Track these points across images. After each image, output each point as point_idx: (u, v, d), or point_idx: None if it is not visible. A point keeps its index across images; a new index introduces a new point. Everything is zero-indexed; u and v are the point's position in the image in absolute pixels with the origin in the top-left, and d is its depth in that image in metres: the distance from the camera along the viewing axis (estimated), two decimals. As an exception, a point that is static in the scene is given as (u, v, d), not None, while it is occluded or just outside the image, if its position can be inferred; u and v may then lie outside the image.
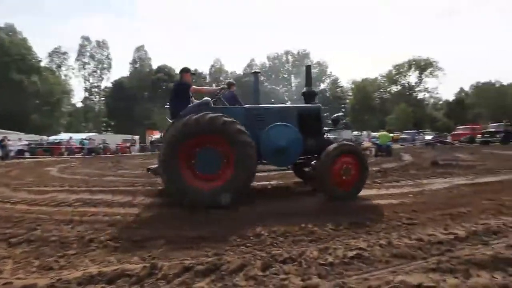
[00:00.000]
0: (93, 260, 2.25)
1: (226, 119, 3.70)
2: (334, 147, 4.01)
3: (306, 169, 5.24)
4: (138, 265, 2.08)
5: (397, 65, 45.73)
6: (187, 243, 2.55)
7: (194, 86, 4.42)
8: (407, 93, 45.99)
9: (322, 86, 53.65)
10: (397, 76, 46.48)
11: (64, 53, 44.05)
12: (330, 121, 5.21)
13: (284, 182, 5.83)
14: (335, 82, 53.86)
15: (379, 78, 48.94)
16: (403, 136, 26.04)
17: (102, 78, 46.92)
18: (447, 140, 15.18)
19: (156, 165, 4.55)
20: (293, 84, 55.00)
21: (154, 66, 47.28)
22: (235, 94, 5.22)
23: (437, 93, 47.27)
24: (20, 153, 17.50)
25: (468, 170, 6.81)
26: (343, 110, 44.32)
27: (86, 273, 1.98)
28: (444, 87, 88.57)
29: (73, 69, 44.74)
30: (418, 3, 76.12)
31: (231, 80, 5.57)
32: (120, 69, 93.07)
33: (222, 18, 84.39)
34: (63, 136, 26.42)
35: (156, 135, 28.15)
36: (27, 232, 2.93)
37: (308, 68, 5.30)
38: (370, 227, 2.85)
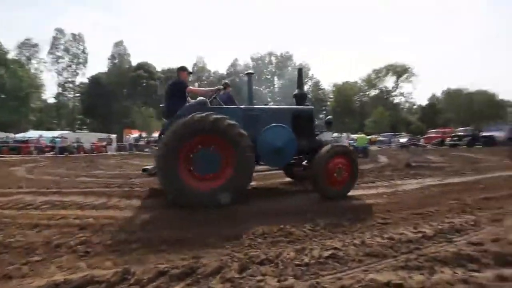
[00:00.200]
0: (60, 267, 2.11)
1: (229, 121, 3.75)
2: (328, 149, 4.17)
3: (297, 169, 5.34)
4: (110, 271, 1.98)
5: (376, 69, 47.88)
6: (163, 246, 2.48)
7: (190, 87, 4.41)
8: (385, 97, 48.24)
9: (304, 88, 54.62)
10: (376, 80, 48.61)
11: (35, 45, 40.98)
12: (322, 123, 5.31)
13: (264, 183, 5.85)
14: (316, 85, 55.02)
15: (359, 81, 50.86)
16: (380, 138, 27.30)
17: (77, 73, 44.33)
18: (420, 143, 16.12)
19: (152, 166, 4.42)
20: (276, 85, 55.51)
21: (134, 63, 45.81)
22: (231, 95, 5.25)
23: (411, 98, 50.09)
24: (-18, 151, 16.31)
25: (438, 171, 7.30)
26: (324, 112, 45.44)
27: (50, 281, 1.85)
28: (418, 92, 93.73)
29: (45, 62, 41.76)
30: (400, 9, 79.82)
31: (226, 81, 5.54)
32: (97, 65, 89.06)
33: (205, 16, 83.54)
34: (32, 133, 24.72)
35: (135, 134, 27.26)
36: (-14, 237, 2.70)
37: (300, 70, 5.43)
38: (346, 227, 2.93)
